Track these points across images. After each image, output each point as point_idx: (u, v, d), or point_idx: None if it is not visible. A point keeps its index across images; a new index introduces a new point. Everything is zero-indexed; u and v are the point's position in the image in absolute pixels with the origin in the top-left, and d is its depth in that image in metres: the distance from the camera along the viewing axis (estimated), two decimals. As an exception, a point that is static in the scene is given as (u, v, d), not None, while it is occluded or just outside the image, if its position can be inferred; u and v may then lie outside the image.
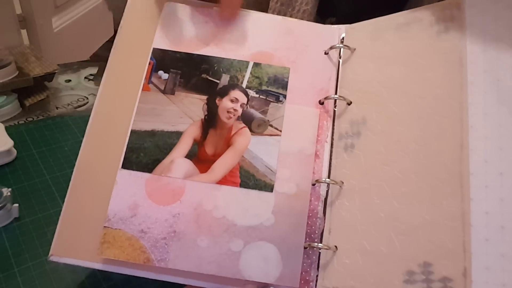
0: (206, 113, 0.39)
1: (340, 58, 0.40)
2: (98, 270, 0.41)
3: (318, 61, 0.40)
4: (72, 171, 0.38)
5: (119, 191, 0.36)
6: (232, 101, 0.39)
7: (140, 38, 0.41)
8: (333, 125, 0.39)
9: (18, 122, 0.62)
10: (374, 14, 0.40)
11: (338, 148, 0.38)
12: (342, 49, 0.40)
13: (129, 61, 0.40)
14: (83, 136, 0.39)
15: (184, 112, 0.39)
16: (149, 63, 0.40)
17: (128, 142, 0.38)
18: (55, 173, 0.55)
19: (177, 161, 0.38)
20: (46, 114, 0.65)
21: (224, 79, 0.40)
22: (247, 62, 0.40)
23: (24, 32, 1.11)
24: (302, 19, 0.49)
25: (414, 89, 0.35)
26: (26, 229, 0.45)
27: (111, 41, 0.43)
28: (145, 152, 0.38)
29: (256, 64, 0.40)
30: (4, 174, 0.51)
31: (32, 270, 0.40)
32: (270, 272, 0.35)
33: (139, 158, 0.37)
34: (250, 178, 0.37)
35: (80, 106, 0.67)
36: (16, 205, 0.46)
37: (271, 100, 0.39)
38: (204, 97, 0.39)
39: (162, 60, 0.40)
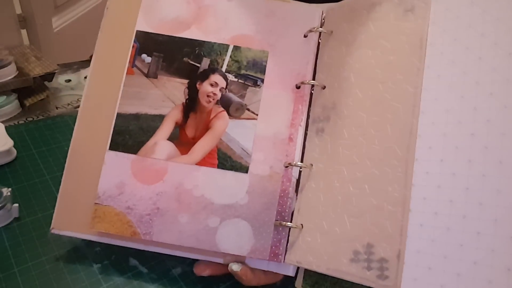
0: (187, 97, 0.42)
1: (319, 40, 0.43)
2: (98, 270, 0.41)
3: (298, 44, 0.43)
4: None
5: (107, 171, 0.40)
6: (212, 85, 0.42)
7: (124, 20, 0.44)
8: (309, 109, 0.42)
9: (18, 122, 0.63)
10: None
11: (311, 132, 0.41)
12: (321, 33, 0.43)
13: (114, 44, 0.44)
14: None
15: (166, 96, 0.42)
16: (133, 46, 0.43)
17: (115, 125, 0.41)
18: (55, 173, 0.55)
19: (160, 143, 0.41)
20: (46, 114, 0.66)
21: (205, 63, 0.43)
22: (227, 46, 0.43)
23: (24, 32, 1.11)
24: None
25: (378, 73, 0.37)
26: (26, 229, 0.45)
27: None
28: (130, 135, 0.41)
29: (236, 48, 0.43)
30: (4, 174, 0.52)
31: (32, 270, 0.40)
32: (243, 246, 0.39)
33: (125, 140, 0.41)
34: (227, 160, 0.40)
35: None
36: (16, 205, 0.46)
37: (249, 84, 0.42)
38: (185, 81, 0.42)
39: (145, 43, 0.43)
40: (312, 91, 0.42)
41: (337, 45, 0.41)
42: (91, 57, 0.44)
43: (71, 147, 0.42)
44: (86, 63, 0.83)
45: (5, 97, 0.64)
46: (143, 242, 0.40)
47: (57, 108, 0.68)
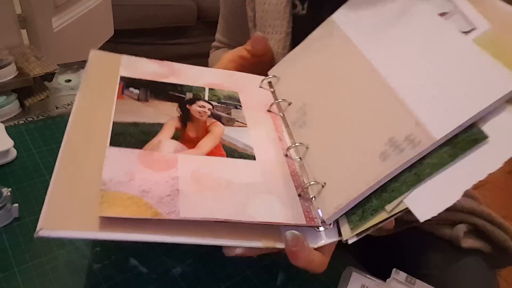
0: (180, 112, 0.47)
1: (271, 87, 0.55)
2: (98, 270, 0.41)
3: (258, 90, 0.55)
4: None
5: (111, 162, 0.37)
6: (200, 106, 0.49)
7: (105, 79, 0.47)
8: (285, 121, 0.51)
9: (18, 122, 0.63)
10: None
11: (295, 130, 0.49)
12: (271, 80, 0.56)
13: (99, 89, 0.45)
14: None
15: (160, 112, 0.46)
16: (119, 84, 0.47)
17: (113, 129, 0.40)
18: (55, 173, 0.55)
19: (165, 140, 0.42)
20: (46, 114, 0.66)
21: (189, 95, 0.50)
22: (204, 88, 0.52)
23: (24, 32, 1.11)
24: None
25: (332, 65, 0.49)
26: (26, 229, 0.45)
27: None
28: (132, 135, 0.41)
29: (211, 89, 0.52)
30: (4, 174, 0.52)
31: (32, 270, 0.40)
32: (278, 215, 0.38)
33: (126, 139, 0.40)
34: (233, 151, 0.44)
35: (80, 106, 0.67)
36: (16, 205, 0.46)
37: (231, 107, 0.51)
38: (176, 104, 0.48)
39: (131, 82, 0.48)
40: (281, 112, 0.52)
41: (288, 78, 0.54)
42: (91, 57, 0.44)
43: (64, 145, 0.38)
44: (86, 63, 0.83)
45: (5, 97, 0.64)
46: (168, 224, 0.34)
47: (57, 108, 0.69)
